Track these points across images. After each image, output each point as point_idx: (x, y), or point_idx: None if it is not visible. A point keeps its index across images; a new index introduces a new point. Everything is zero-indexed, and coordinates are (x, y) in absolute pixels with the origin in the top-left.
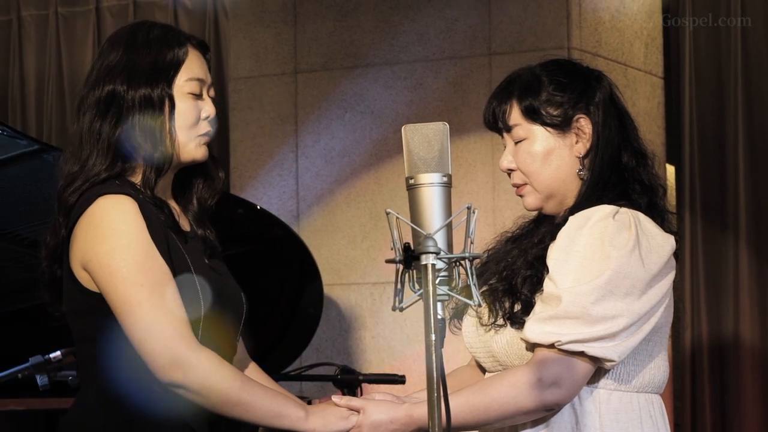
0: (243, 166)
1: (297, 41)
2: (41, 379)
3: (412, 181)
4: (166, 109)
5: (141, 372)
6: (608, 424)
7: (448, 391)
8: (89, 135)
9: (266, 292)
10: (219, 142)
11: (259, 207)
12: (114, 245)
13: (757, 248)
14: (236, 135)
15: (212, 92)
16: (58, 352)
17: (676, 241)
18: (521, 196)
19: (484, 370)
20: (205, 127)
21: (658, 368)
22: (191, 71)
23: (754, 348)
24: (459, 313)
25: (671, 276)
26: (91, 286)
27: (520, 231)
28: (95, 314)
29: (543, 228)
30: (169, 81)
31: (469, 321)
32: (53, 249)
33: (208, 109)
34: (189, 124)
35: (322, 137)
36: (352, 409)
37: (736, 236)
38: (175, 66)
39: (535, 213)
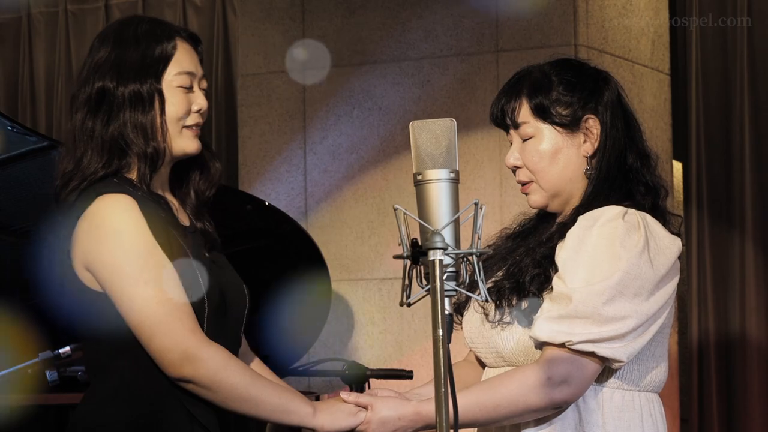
0: (251, 163)
1: (305, 38)
2: (51, 375)
3: (419, 177)
4: (156, 103)
5: (148, 368)
6: (611, 422)
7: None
8: (82, 133)
9: (274, 288)
10: (227, 138)
11: (267, 203)
12: (116, 245)
13: (763, 244)
14: (245, 131)
15: (204, 84)
16: (68, 348)
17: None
18: (526, 194)
19: (483, 366)
20: (195, 119)
21: (660, 368)
22: (180, 65)
23: (761, 344)
24: (459, 308)
25: (677, 279)
26: (94, 286)
27: (520, 228)
28: (100, 313)
29: (545, 225)
30: (158, 76)
31: (471, 317)
32: (55, 248)
33: (199, 101)
34: (179, 118)
35: (329, 134)
36: (360, 406)
37: (743, 232)
38: (164, 60)
39: (536, 210)
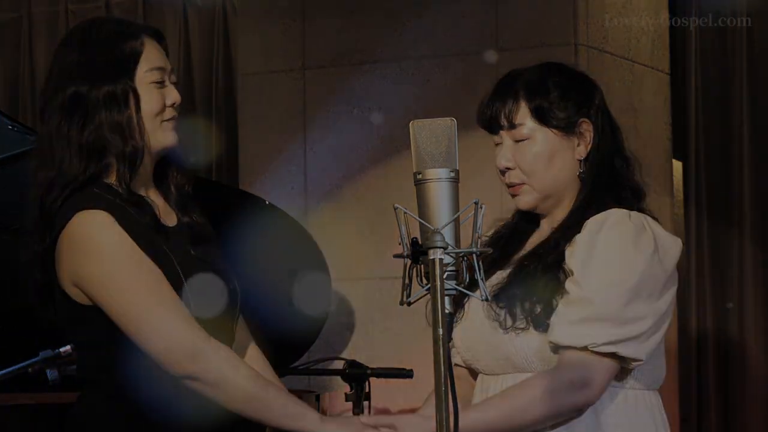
0: (251, 162)
1: (305, 37)
2: (51, 374)
3: (419, 176)
4: (132, 102)
5: (142, 374)
6: (625, 421)
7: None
8: (59, 139)
9: (275, 287)
10: (228, 138)
11: (267, 202)
12: (101, 261)
13: (762, 243)
14: (245, 131)
15: (174, 78)
16: (68, 346)
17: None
18: (515, 195)
19: (473, 376)
20: (171, 113)
21: (662, 366)
22: (150, 61)
23: (759, 342)
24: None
25: (677, 278)
26: (83, 301)
27: (498, 235)
28: (90, 325)
29: (529, 227)
30: (131, 74)
31: (470, 324)
32: (41, 257)
33: (173, 95)
34: (156, 114)
35: (329, 133)
36: (381, 426)
37: (741, 231)
38: (134, 58)
39: (509, 216)
